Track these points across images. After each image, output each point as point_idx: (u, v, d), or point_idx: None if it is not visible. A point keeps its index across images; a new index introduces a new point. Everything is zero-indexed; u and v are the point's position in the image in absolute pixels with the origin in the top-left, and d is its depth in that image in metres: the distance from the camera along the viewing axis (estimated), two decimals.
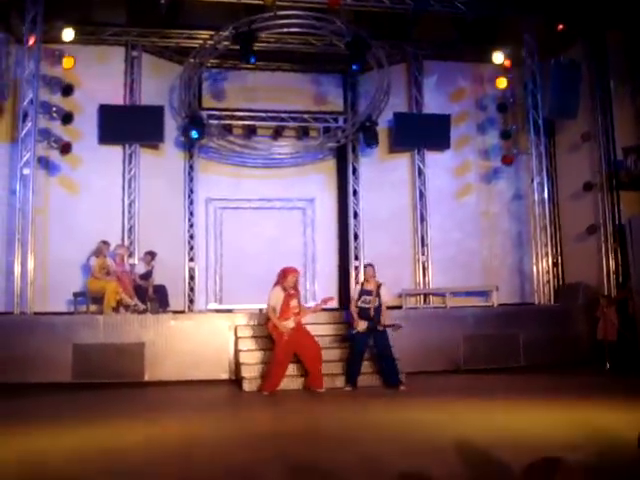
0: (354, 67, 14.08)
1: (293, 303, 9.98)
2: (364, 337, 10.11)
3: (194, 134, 14.08)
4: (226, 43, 14.14)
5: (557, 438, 6.08)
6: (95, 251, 12.20)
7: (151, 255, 13.05)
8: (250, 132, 15.31)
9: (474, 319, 12.40)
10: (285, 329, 9.75)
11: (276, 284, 10.11)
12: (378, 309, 10.17)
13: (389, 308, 10.72)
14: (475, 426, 6.84)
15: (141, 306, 11.98)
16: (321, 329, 10.99)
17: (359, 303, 10.27)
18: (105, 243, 12.45)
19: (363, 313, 10.19)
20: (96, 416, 7.88)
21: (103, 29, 14.02)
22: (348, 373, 10.09)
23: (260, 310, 11.98)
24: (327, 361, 10.19)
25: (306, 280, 14.90)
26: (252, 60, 13.96)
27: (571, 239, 14.67)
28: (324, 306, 10.53)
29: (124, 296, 11.88)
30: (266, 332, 10.80)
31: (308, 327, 10.31)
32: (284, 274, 10.11)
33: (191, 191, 15.06)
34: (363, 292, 10.31)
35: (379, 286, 10.26)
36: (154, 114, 14.04)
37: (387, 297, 10.44)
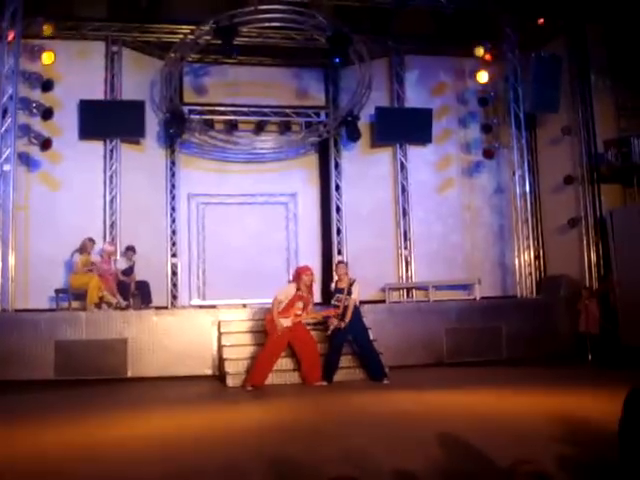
0: (336, 60, 14.03)
1: (298, 305, 9.89)
2: (341, 333, 10.02)
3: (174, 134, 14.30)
4: (207, 38, 14.04)
5: (538, 430, 6.13)
6: (80, 247, 12.11)
7: (132, 250, 12.98)
8: (232, 127, 15.24)
9: (457, 312, 12.44)
10: (279, 326, 9.69)
11: (292, 281, 10.13)
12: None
13: (372, 302, 10.65)
14: (458, 418, 6.87)
15: (123, 303, 11.92)
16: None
17: (332, 301, 10.26)
18: (91, 240, 12.36)
19: None
20: (78, 412, 7.85)
21: (83, 24, 13.91)
22: (324, 369, 9.98)
23: (244, 305, 12.02)
24: None
25: (289, 275, 14.83)
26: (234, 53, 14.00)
27: (553, 232, 14.74)
28: (325, 314, 10.37)
29: (106, 294, 11.82)
30: (250, 328, 10.85)
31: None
32: (298, 274, 10.10)
33: (173, 186, 14.99)
34: (336, 291, 10.23)
35: (352, 284, 10.08)
36: (135, 109, 13.96)
37: (355, 295, 10.02)
